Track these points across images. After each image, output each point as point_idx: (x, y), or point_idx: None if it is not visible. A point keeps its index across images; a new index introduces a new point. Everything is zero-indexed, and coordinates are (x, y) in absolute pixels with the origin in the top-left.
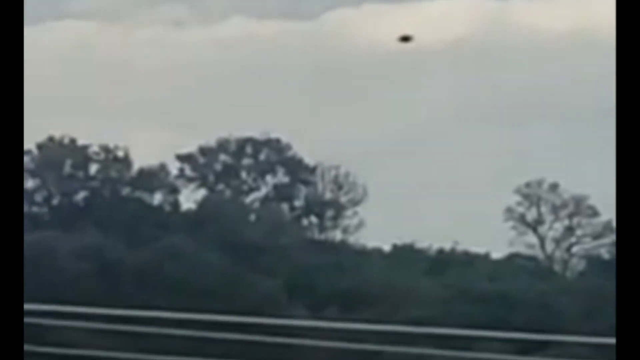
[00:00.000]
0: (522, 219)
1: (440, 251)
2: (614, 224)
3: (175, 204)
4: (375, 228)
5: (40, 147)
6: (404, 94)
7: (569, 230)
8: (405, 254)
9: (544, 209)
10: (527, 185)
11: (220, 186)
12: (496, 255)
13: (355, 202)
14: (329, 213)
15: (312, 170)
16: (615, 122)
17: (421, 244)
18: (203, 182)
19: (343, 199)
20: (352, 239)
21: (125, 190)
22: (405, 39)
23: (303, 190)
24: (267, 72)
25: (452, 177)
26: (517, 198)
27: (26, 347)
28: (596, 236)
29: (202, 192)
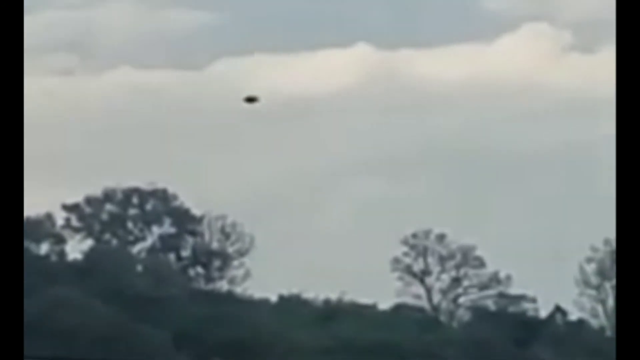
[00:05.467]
0: (408, 269)
1: (327, 301)
2: (500, 274)
3: (62, 254)
4: (262, 278)
5: None
6: (291, 145)
7: (456, 281)
8: (292, 304)
9: (430, 259)
10: (414, 235)
11: (107, 236)
12: (383, 305)
13: (242, 253)
14: (216, 263)
15: (199, 220)
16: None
17: (308, 294)
18: (89, 232)
19: (230, 249)
20: (239, 290)
21: None
22: (251, 100)
23: (190, 241)
24: (153, 122)
25: (338, 227)
26: (404, 248)
27: None
28: (482, 287)
29: (88, 242)
